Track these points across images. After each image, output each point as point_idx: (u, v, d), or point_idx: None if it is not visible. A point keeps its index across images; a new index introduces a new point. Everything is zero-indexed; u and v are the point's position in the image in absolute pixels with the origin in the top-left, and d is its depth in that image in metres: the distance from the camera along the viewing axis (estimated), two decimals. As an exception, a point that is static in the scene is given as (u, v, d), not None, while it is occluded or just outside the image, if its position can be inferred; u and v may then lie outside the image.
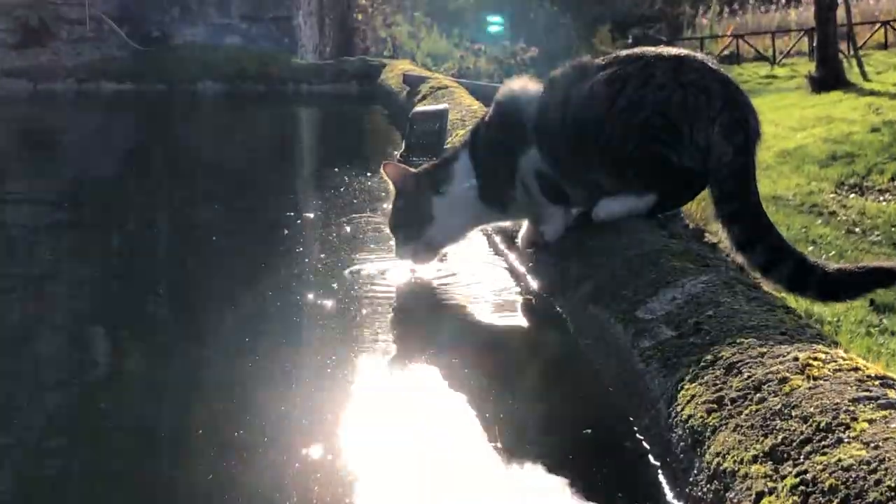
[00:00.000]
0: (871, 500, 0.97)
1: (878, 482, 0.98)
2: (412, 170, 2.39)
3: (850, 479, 1.00)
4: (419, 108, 4.60)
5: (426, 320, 2.17)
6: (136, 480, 1.42)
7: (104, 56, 8.91)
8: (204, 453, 1.45)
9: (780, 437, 1.14)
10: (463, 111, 4.28)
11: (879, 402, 1.13)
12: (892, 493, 0.96)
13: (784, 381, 1.24)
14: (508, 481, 1.37)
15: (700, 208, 2.35)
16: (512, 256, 2.49)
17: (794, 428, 1.14)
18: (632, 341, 1.62)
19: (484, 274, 2.42)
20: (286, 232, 3.01)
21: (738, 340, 1.42)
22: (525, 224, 2.36)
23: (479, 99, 4.93)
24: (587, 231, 2.18)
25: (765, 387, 1.25)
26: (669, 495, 1.28)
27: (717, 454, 1.21)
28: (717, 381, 1.34)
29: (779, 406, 1.20)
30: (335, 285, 2.32)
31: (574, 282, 2.04)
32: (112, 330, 2.15)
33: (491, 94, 2.57)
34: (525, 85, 2.29)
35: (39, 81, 8.29)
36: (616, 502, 1.32)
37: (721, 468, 1.19)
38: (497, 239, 2.65)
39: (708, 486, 1.20)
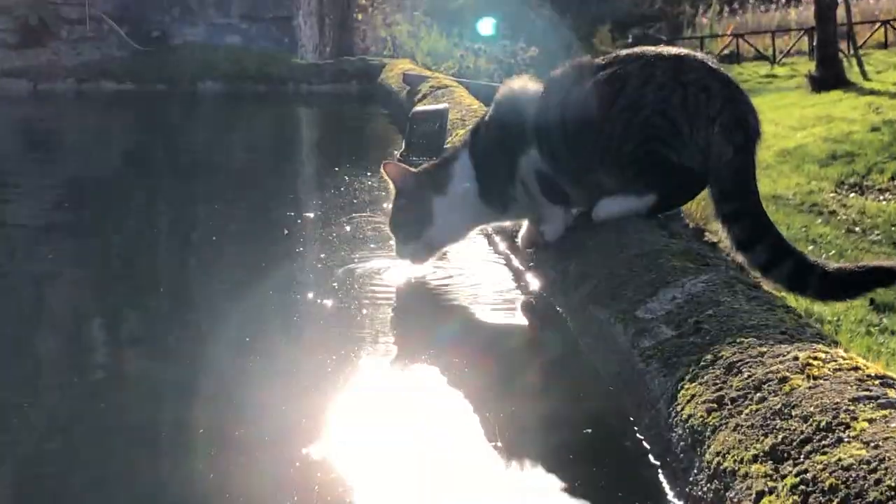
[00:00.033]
0: (871, 499, 0.97)
1: (878, 482, 0.98)
2: (412, 169, 2.39)
3: (851, 479, 1.00)
4: (419, 107, 4.60)
5: (426, 320, 2.17)
6: (136, 480, 1.42)
7: (104, 56, 8.91)
8: (204, 452, 1.45)
9: (780, 437, 1.14)
10: (463, 111, 4.28)
11: (879, 401, 1.13)
12: (893, 493, 0.96)
13: (784, 380, 1.24)
14: (508, 481, 1.37)
15: (700, 208, 2.35)
16: (512, 256, 2.49)
17: (794, 427, 1.14)
18: (632, 341, 1.62)
19: (483, 273, 2.42)
20: (286, 231, 3.01)
21: (738, 340, 1.42)
22: (525, 224, 2.36)
23: (478, 98, 4.92)
24: (587, 231, 2.17)
25: (765, 386, 1.25)
26: (670, 495, 1.28)
27: (718, 453, 1.21)
28: (718, 381, 1.34)
29: (779, 405, 1.20)
30: (335, 284, 2.32)
31: (574, 281, 2.04)
32: (111, 329, 2.15)
33: (491, 94, 2.57)
34: (525, 85, 2.29)
35: (39, 81, 8.28)
36: (616, 502, 1.32)
37: (721, 467, 1.19)
38: (497, 238, 2.66)
39: (708, 485, 1.20)
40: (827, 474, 1.03)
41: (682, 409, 1.35)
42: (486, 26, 15.27)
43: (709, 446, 1.24)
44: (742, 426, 1.21)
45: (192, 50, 8.84)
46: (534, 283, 2.27)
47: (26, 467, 1.48)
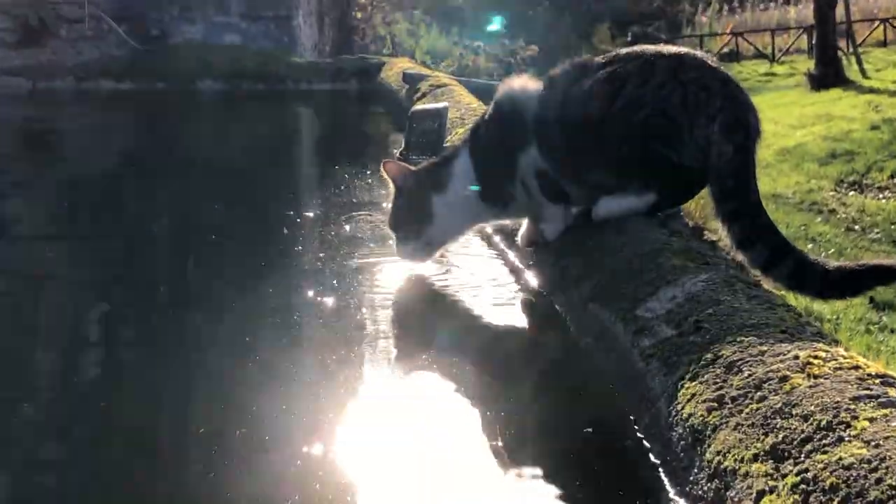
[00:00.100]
0: (871, 498, 0.97)
1: (878, 481, 0.98)
2: (412, 168, 2.38)
3: (851, 478, 1.00)
4: (418, 106, 4.59)
5: (425, 319, 2.17)
6: (135, 480, 1.42)
7: (103, 55, 8.90)
8: (205, 452, 1.45)
9: (780, 436, 1.14)
10: (462, 109, 4.28)
11: (880, 400, 1.13)
12: (893, 492, 0.96)
13: (784, 379, 1.24)
14: (508, 480, 1.37)
15: (699, 206, 2.35)
16: (511, 254, 2.49)
17: (794, 426, 1.14)
18: (632, 340, 1.62)
19: (483, 271, 2.42)
20: (286, 231, 3.01)
21: (738, 339, 1.41)
22: (525, 223, 2.35)
23: (478, 97, 4.92)
24: (587, 230, 2.17)
25: (765, 385, 1.25)
26: (670, 494, 1.28)
27: (718, 453, 1.21)
28: (718, 380, 1.34)
29: (779, 404, 1.20)
30: (335, 282, 2.31)
31: (574, 280, 2.04)
32: (110, 328, 2.15)
33: (490, 93, 2.57)
34: (525, 83, 2.29)
35: (39, 80, 8.27)
36: (616, 501, 1.32)
37: (721, 467, 1.19)
38: (497, 238, 2.65)
39: (708, 484, 1.20)
40: (828, 473, 1.03)
41: (683, 408, 1.34)
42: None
43: (709, 445, 1.24)
44: (742, 425, 1.21)
45: (192, 49, 8.82)
46: (533, 281, 2.27)
47: (24, 469, 1.48)
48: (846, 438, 1.07)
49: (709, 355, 1.41)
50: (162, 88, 8.09)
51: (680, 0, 26.56)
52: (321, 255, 2.64)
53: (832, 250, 6.04)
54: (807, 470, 1.06)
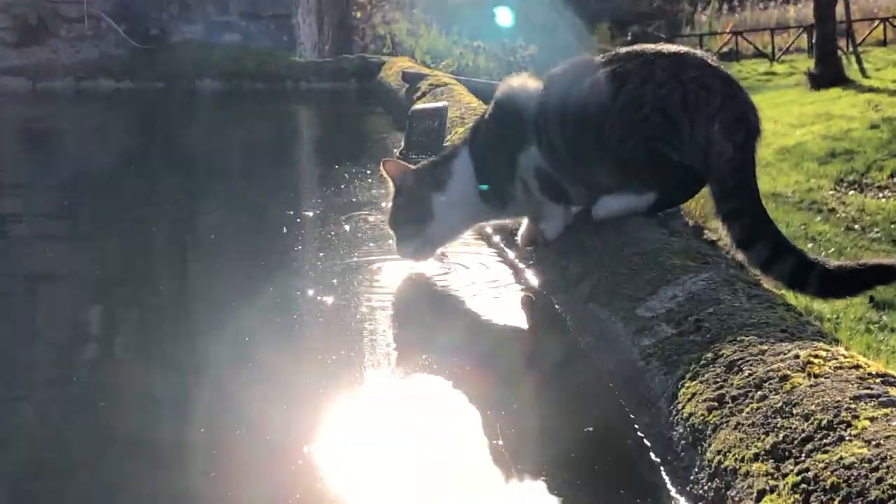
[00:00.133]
0: (872, 498, 0.97)
1: (879, 480, 0.98)
2: (412, 167, 2.38)
3: (852, 478, 1.00)
4: (418, 105, 4.59)
5: (425, 318, 2.17)
6: (135, 480, 1.41)
7: (103, 54, 8.90)
8: (205, 451, 1.45)
9: (781, 435, 1.14)
10: (462, 109, 4.28)
11: (881, 399, 1.13)
12: (894, 492, 0.96)
13: (785, 378, 1.24)
14: (509, 479, 1.37)
15: (699, 206, 2.35)
16: (511, 254, 2.49)
17: (795, 426, 1.14)
18: (632, 339, 1.62)
19: (483, 271, 2.42)
20: (285, 230, 3.01)
21: (738, 338, 1.41)
22: (525, 222, 2.35)
23: (478, 96, 4.92)
24: (587, 229, 2.17)
25: (766, 384, 1.25)
26: (670, 493, 1.28)
27: (718, 452, 1.21)
28: (718, 379, 1.34)
29: (780, 404, 1.19)
30: (335, 282, 2.31)
31: (574, 280, 2.04)
32: (110, 328, 2.15)
33: (490, 92, 2.57)
34: (525, 83, 2.29)
35: (38, 79, 8.27)
36: (616, 501, 1.32)
37: (722, 466, 1.19)
38: (497, 238, 2.65)
39: (709, 484, 1.20)
40: (828, 473, 1.03)
41: (683, 408, 1.34)
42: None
43: (710, 445, 1.24)
44: (743, 425, 1.21)
45: (191, 48, 8.82)
46: (533, 280, 2.27)
47: (23, 469, 1.48)
48: (847, 438, 1.07)
49: (709, 354, 1.41)
50: (161, 88, 8.08)
51: (679, -1, 26.56)
52: (321, 254, 2.64)
53: (832, 249, 6.04)
54: (807, 469, 1.06)
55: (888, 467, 0.98)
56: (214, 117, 6.91)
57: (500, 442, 1.46)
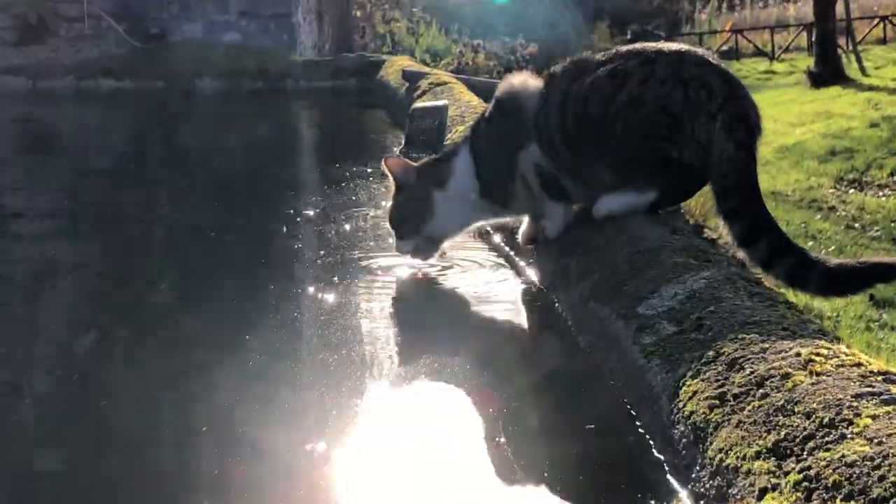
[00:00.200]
0: (874, 495, 0.96)
1: (881, 478, 0.98)
2: (413, 164, 2.38)
3: (854, 475, 1.00)
4: (418, 104, 4.59)
5: (426, 316, 2.17)
6: (135, 479, 1.41)
7: (103, 53, 8.90)
8: (205, 451, 1.45)
9: (782, 433, 1.14)
10: (462, 107, 4.28)
11: (882, 397, 1.13)
12: (896, 489, 0.95)
13: (786, 376, 1.24)
14: (510, 477, 1.37)
15: (700, 204, 2.35)
16: (512, 252, 2.49)
17: (796, 424, 1.14)
18: (633, 337, 1.62)
19: (483, 269, 2.42)
20: (286, 229, 3.01)
21: (739, 336, 1.41)
22: (525, 220, 2.35)
23: (478, 95, 4.92)
24: (588, 227, 2.17)
25: (767, 383, 1.25)
26: (672, 491, 1.28)
27: (720, 450, 1.21)
28: (720, 377, 1.34)
29: (781, 402, 1.19)
30: (335, 279, 2.31)
31: (575, 278, 2.04)
32: (109, 327, 2.15)
33: (490, 90, 2.57)
34: (525, 81, 2.28)
35: (38, 79, 8.27)
36: (618, 499, 1.32)
37: (724, 464, 1.19)
38: (497, 236, 2.65)
39: (711, 482, 1.20)
40: (830, 471, 1.03)
41: (684, 406, 1.34)
42: None
43: (711, 443, 1.24)
44: (744, 423, 1.21)
45: (191, 47, 8.82)
46: (534, 279, 2.27)
47: (23, 469, 1.48)
48: (848, 436, 1.07)
49: (710, 353, 1.41)
50: (161, 87, 8.08)
51: (679, -3, 26.54)
52: (321, 252, 2.64)
53: (832, 248, 6.03)
54: (809, 467, 1.06)
55: (890, 465, 0.98)
56: (214, 116, 6.91)
57: (502, 440, 1.46)
